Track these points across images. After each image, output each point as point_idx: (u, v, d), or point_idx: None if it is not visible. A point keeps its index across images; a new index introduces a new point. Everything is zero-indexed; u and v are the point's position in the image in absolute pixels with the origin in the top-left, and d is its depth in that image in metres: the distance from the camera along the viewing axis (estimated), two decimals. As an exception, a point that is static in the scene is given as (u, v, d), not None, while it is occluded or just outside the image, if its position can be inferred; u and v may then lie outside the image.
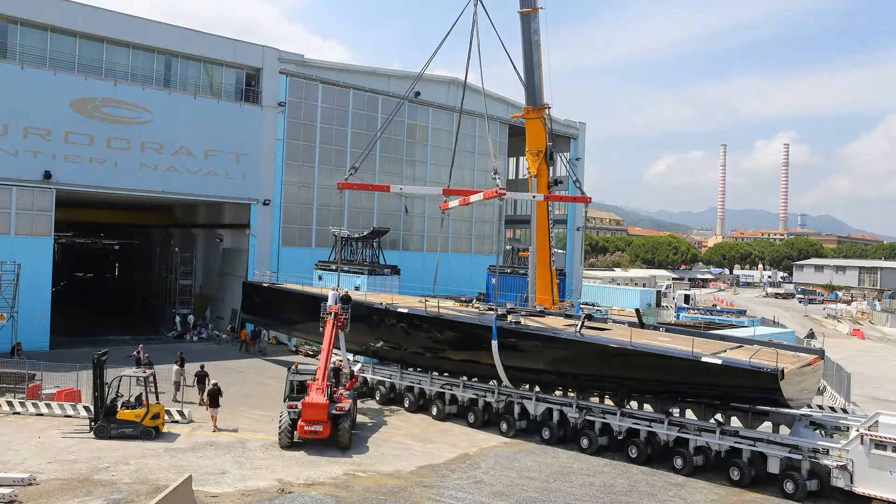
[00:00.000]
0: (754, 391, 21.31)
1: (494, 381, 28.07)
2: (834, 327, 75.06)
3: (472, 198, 35.65)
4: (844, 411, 29.90)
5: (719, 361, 21.42)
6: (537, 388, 28.17)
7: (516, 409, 26.69)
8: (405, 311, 29.91)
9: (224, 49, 46.92)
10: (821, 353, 24.62)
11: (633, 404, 26.69)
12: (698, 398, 23.69)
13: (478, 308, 31.32)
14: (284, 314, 38.87)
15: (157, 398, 24.72)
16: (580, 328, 25.27)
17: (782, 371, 20.06)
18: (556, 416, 25.76)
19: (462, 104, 36.44)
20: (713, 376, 21.73)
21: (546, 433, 25.54)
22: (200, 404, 27.98)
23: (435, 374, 29.88)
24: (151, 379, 24.55)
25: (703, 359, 21.61)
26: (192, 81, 46.01)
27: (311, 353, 43.04)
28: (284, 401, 24.88)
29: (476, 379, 28.72)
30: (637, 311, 31.50)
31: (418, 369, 30.52)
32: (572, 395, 27.58)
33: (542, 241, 37.76)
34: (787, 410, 22.16)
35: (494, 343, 26.04)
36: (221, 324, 49.69)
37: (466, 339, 27.99)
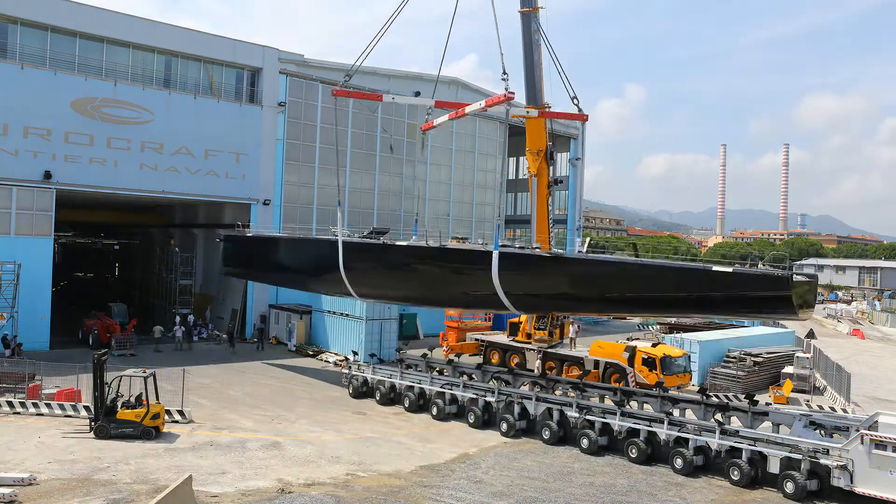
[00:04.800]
0: (766, 295, 21.43)
1: (494, 387, 28.05)
2: (834, 327, 75.07)
3: (469, 108, 33.20)
4: (844, 411, 29.95)
5: (730, 269, 21.88)
6: (537, 389, 28.21)
7: (516, 409, 26.70)
8: (405, 244, 29.81)
9: (224, 49, 46.93)
10: (815, 279, 24.71)
11: (633, 404, 26.74)
12: (712, 307, 23.73)
13: (479, 242, 31.32)
14: (284, 263, 37.49)
15: (158, 398, 24.71)
16: (585, 248, 25.49)
17: (791, 276, 20.56)
18: (556, 416, 25.76)
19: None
20: (725, 285, 21.98)
21: (546, 433, 25.55)
22: None
23: (435, 375, 29.79)
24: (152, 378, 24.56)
25: (715, 268, 22.13)
26: (193, 81, 46.04)
27: (310, 353, 43.07)
28: None
29: (480, 309, 28.67)
30: (634, 244, 31.26)
31: (424, 305, 30.30)
32: (573, 394, 27.62)
33: (542, 239, 37.61)
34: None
35: (495, 264, 25.68)
36: (221, 324, 49.68)
37: (469, 267, 27.80)
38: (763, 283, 21.07)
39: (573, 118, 34.50)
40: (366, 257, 31.25)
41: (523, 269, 26.25)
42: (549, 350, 37.55)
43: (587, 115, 34.95)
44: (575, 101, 33.89)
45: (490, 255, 26.01)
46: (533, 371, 35.56)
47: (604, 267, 24.70)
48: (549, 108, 35.78)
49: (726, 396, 32.28)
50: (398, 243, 29.95)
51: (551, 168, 37.09)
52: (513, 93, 29.62)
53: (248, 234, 40.02)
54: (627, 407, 25.31)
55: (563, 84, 33.32)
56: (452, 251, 28.97)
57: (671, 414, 24.22)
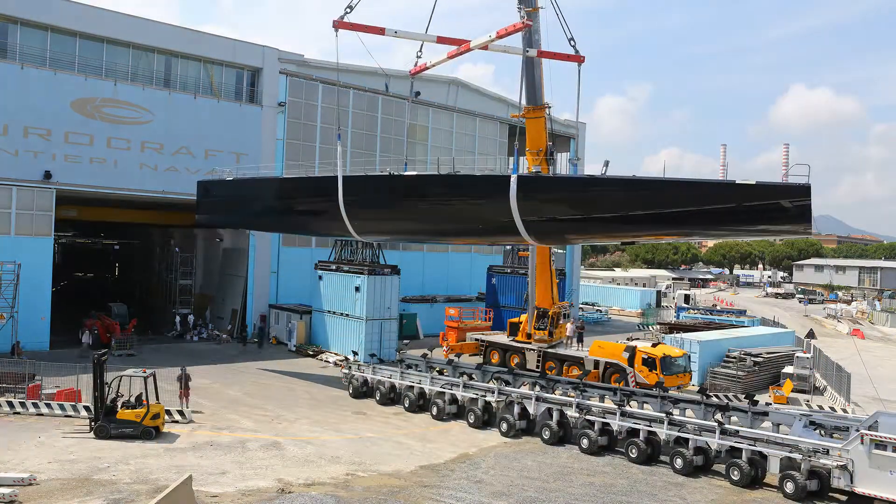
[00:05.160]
0: (786, 205, 21.75)
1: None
2: (834, 327, 75.05)
3: (475, 42, 30.97)
4: (844, 411, 29.96)
5: (753, 182, 22.15)
6: (538, 388, 28.15)
7: (516, 409, 26.69)
8: (415, 174, 29.54)
9: (224, 49, 46.93)
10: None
11: (634, 404, 26.74)
12: (733, 221, 23.77)
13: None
14: (273, 206, 35.62)
15: (158, 398, 24.71)
16: (605, 170, 25.59)
17: (810, 186, 21.16)
18: (555, 416, 25.75)
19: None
20: (748, 197, 22.29)
21: (546, 433, 25.54)
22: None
23: (435, 375, 29.73)
24: (152, 378, 24.56)
25: (739, 181, 22.44)
26: (192, 81, 46.06)
27: (310, 353, 43.06)
28: None
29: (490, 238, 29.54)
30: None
31: (432, 238, 29.80)
32: (573, 395, 27.63)
33: None
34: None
35: (513, 188, 25.45)
36: (221, 324, 49.69)
37: (485, 195, 27.62)
38: (786, 192, 21.61)
39: (570, 59, 33.42)
40: (370, 191, 30.73)
41: (542, 193, 26.25)
42: (549, 350, 37.59)
43: (584, 57, 33.54)
44: (572, 42, 33.34)
45: (508, 179, 25.87)
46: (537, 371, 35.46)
47: (627, 185, 24.55)
48: (550, 107, 35.80)
49: (726, 396, 32.31)
50: (407, 174, 29.37)
51: (551, 168, 37.11)
52: (530, 21, 28.74)
53: (229, 179, 38.29)
54: (627, 407, 25.29)
55: (561, 27, 32.50)
56: (468, 178, 28.55)
57: (671, 414, 24.21)
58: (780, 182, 22.22)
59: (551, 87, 35.92)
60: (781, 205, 21.99)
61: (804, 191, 21.18)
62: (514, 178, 25.77)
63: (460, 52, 31.95)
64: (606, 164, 26.63)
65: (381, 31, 32.72)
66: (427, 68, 34.56)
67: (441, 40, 32.41)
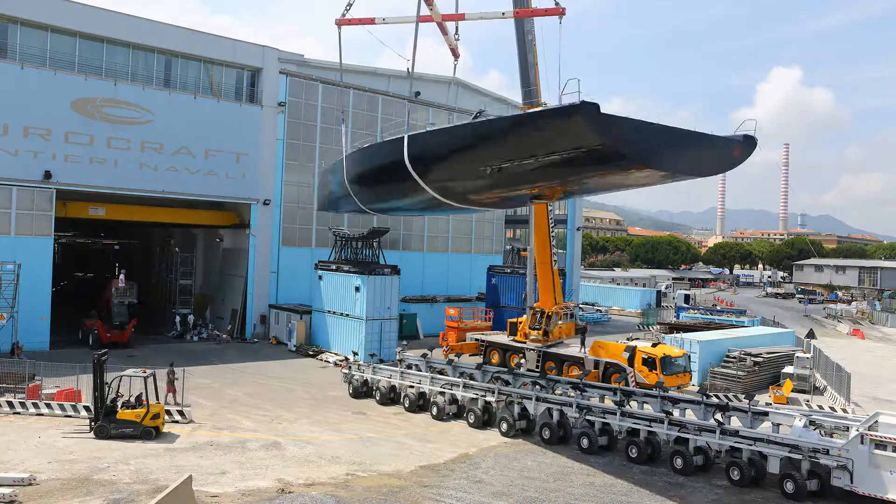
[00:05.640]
0: (570, 138, 17.84)
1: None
2: (834, 327, 75.07)
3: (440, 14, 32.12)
4: (844, 411, 29.97)
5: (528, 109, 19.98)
6: (537, 387, 28.15)
7: (516, 409, 26.69)
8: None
9: (224, 49, 46.95)
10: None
11: (633, 404, 26.74)
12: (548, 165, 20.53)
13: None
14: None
15: (158, 398, 24.72)
16: (473, 118, 24.72)
17: (596, 104, 15.81)
18: (555, 416, 25.75)
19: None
20: (532, 133, 19.41)
21: (546, 433, 25.53)
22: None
23: (435, 375, 29.82)
24: (151, 379, 24.57)
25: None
26: (192, 81, 46.07)
27: (310, 353, 43.03)
28: None
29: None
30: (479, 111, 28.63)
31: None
32: (573, 394, 27.61)
33: (543, 239, 37.61)
34: (779, 412, 22.13)
35: (406, 150, 24.78)
36: (221, 324, 49.69)
37: (388, 161, 26.89)
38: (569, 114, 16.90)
39: (549, 14, 33.54)
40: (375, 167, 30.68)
41: (424, 150, 24.84)
42: (549, 350, 37.57)
43: (564, 9, 33.84)
44: None
45: (402, 141, 25.10)
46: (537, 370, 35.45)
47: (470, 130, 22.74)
48: (547, 106, 35.76)
49: (726, 396, 32.30)
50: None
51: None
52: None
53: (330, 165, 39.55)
54: (627, 407, 25.29)
55: None
56: (376, 146, 28.87)
57: (671, 414, 24.21)
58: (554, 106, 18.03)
59: (547, 87, 35.92)
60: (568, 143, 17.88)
61: (579, 122, 16.46)
62: (406, 138, 25.10)
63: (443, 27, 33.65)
64: (479, 112, 25.54)
65: (371, 21, 34.98)
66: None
67: (423, 19, 32.97)
